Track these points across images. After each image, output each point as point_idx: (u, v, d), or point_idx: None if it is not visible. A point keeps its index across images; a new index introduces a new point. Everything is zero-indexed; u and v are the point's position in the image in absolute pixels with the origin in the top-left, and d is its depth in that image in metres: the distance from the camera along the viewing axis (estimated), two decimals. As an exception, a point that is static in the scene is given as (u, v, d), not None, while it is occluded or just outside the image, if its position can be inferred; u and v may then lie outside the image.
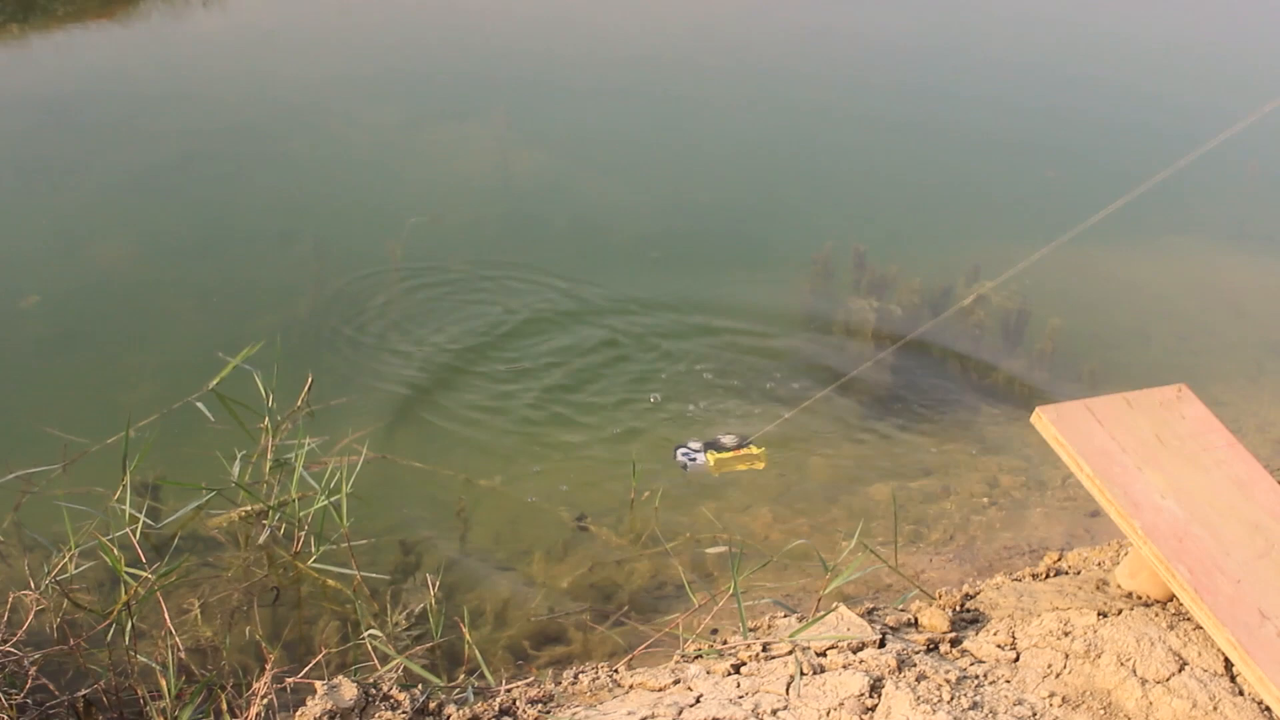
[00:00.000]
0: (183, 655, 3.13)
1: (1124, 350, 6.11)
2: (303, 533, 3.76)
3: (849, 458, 5.07)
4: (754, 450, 4.81)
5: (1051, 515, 4.81)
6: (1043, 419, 3.52)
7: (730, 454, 4.78)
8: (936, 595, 3.75)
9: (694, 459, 4.75)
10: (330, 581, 3.73)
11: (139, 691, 3.13)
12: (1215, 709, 3.05)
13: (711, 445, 4.82)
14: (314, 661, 3.03)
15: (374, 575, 3.72)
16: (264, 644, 3.29)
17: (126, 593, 3.11)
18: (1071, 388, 5.79)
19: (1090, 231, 7.61)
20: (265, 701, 2.87)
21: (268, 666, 2.92)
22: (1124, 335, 6.32)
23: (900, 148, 9.03)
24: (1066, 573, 3.94)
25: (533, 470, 4.69)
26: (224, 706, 2.92)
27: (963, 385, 5.92)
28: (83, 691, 3.04)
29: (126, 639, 3.11)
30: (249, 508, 3.87)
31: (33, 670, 2.96)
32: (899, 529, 4.45)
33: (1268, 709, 3.02)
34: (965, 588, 3.86)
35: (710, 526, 4.39)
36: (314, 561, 3.61)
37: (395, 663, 3.05)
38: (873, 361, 5.70)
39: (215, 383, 4.13)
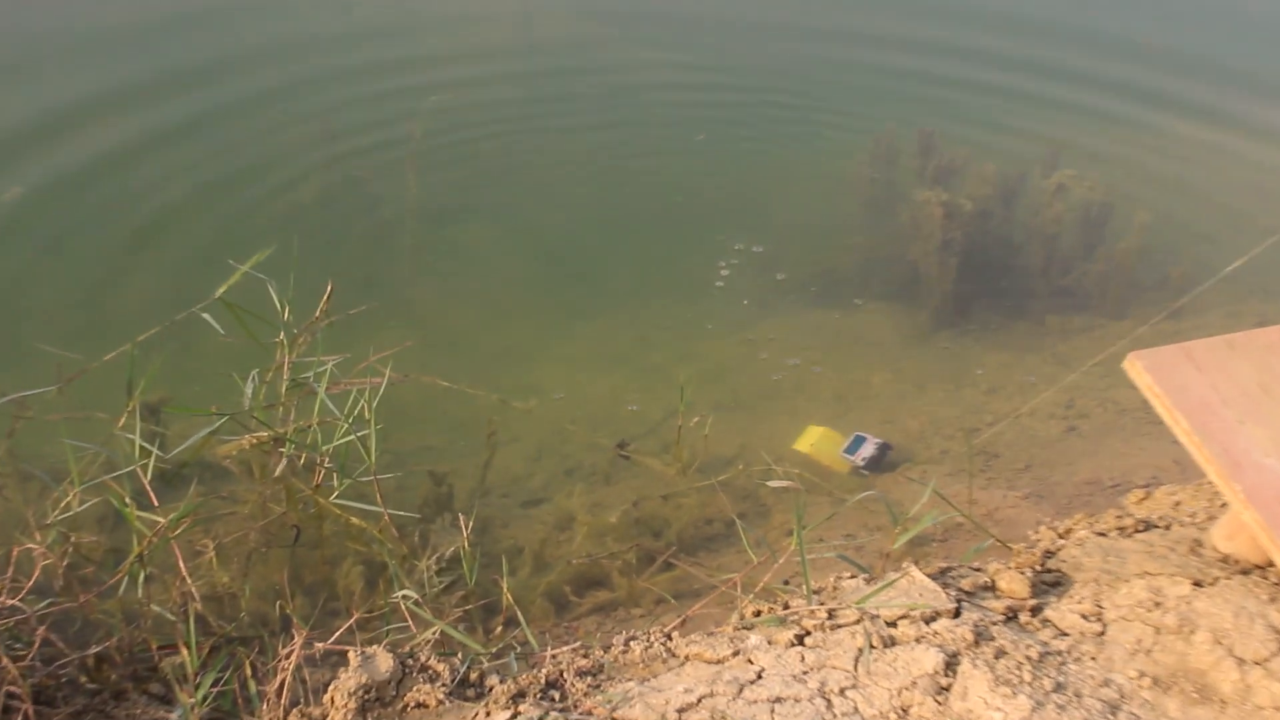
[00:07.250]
0: (199, 606, 2.89)
1: (1218, 247, 5.58)
2: (324, 464, 3.45)
3: (911, 375, 4.73)
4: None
5: (1133, 442, 4.47)
6: (1136, 366, 3.20)
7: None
8: (1014, 550, 3.48)
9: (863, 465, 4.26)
10: (355, 520, 3.44)
11: (152, 645, 2.91)
12: (1317, 694, 2.82)
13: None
14: (344, 627, 2.77)
15: (402, 513, 3.42)
16: (289, 605, 3.03)
17: (139, 544, 2.84)
18: (1158, 296, 5.31)
19: (1177, 115, 6.99)
20: (293, 669, 2.63)
21: (296, 635, 2.67)
22: (1218, 230, 5.78)
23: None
24: (1156, 526, 3.66)
25: (570, 387, 4.37)
26: (249, 674, 2.68)
27: (1037, 291, 5.46)
28: (94, 649, 2.80)
29: (139, 589, 2.86)
30: (263, 434, 3.54)
31: (41, 630, 2.70)
32: (968, 455, 4.16)
33: (1374, 696, 2.80)
34: (1045, 543, 3.58)
35: (762, 459, 4.10)
36: (337, 497, 3.32)
37: (434, 629, 2.81)
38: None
39: (223, 290, 3.75)
